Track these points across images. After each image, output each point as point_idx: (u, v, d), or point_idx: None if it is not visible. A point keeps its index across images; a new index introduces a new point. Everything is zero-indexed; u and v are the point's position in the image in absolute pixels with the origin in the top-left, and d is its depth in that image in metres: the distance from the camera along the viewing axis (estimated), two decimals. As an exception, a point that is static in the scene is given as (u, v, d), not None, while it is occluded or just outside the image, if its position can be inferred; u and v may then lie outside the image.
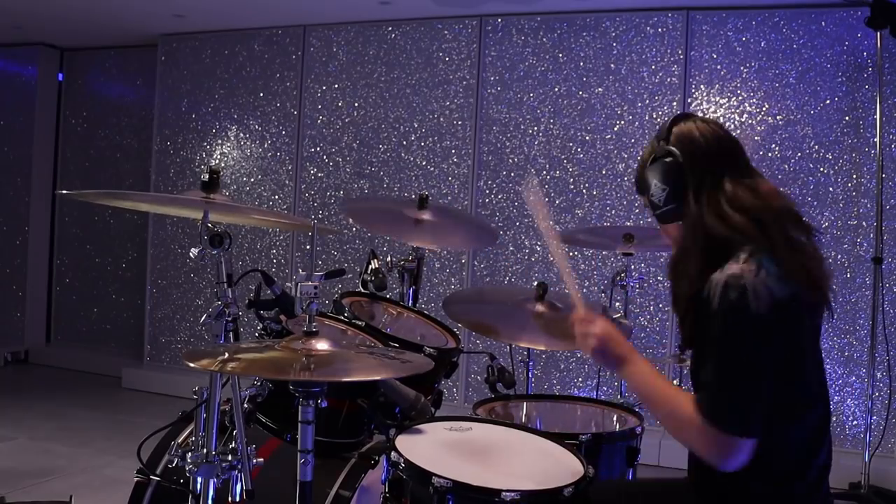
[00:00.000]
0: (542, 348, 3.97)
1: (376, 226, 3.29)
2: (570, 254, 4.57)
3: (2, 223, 6.21)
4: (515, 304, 2.50)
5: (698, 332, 1.53)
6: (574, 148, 4.58)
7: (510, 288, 4.42)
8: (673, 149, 1.58)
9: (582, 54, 4.59)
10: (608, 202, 4.52)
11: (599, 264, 4.52)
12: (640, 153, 1.70)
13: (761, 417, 1.42)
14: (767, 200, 1.55)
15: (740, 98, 4.29)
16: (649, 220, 4.15)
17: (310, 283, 1.57)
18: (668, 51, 4.40)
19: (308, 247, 5.08)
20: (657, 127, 4.39)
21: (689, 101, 4.37)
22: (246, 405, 1.86)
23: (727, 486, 1.54)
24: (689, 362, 3.01)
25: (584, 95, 4.57)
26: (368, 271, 2.47)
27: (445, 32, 4.86)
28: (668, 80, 4.40)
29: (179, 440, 1.91)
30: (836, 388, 4.10)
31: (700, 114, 4.30)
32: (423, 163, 4.90)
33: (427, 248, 2.82)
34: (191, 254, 1.69)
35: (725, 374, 1.43)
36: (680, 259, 1.59)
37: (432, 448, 1.76)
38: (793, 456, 1.52)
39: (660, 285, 4.39)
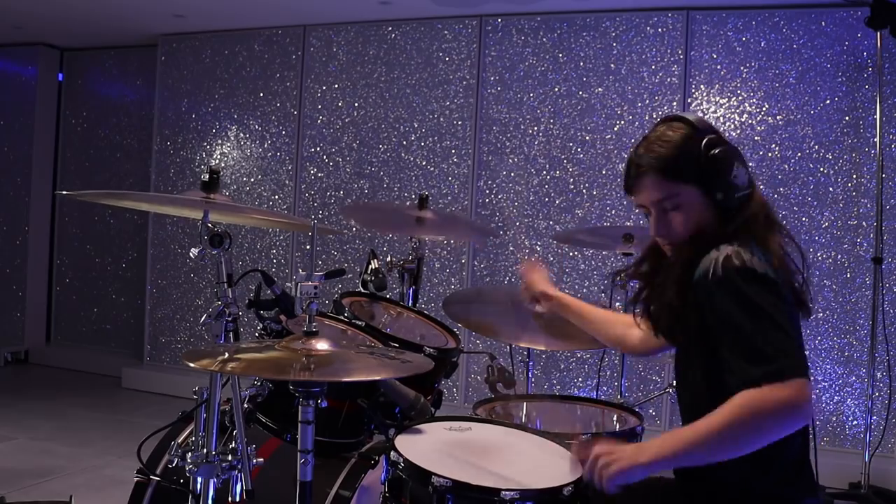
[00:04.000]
0: (542, 348, 3.95)
1: (377, 226, 3.30)
2: (570, 254, 4.58)
3: (2, 223, 6.21)
4: (515, 304, 2.50)
5: (687, 319, 1.52)
6: (574, 148, 4.58)
7: (510, 288, 4.41)
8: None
9: (582, 54, 4.59)
10: (608, 202, 4.52)
11: (599, 264, 4.52)
12: (659, 137, 1.62)
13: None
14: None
15: (740, 98, 4.29)
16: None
17: (310, 283, 1.57)
18: (668, 51, 4.41)
19: (308, 247, 5.08)
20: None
21: (689, 101, 4.37)
22: (246, 405, 1.86)
23: (727, 485, 1.54)
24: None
25: (584, 95, 4.57)
26: (368, 271, 2.47)
27: (445, 32, 4.86)
28: (668, 80, 4.40)
29: (179, 440, 1.92)
30: (836, 388, 4.11)
31: (700, 114, 4.32)
32: (423, 163, 4.90)
33: (429, 241, 2.82)
34: (191, 254, 1.69)
35: (759, 327, 1.38)
36: (692, 241, 1.57)
37: (432, 448, 1.76)
38: (795, 453, 1.53)
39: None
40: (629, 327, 1.97)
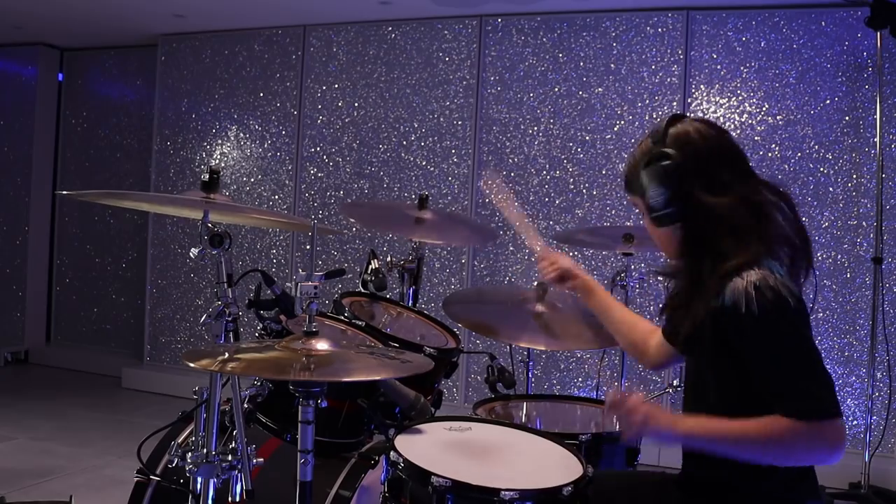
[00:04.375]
0: (542, 348, 3.96)
1: (377, 225, 3.30)
2: (570, 254, 4.58)
3: (2, 223, 6.21)
4: (515, 304, 2.50)
5: (711, 340, 1.52)
6: (574, 148, 4.58)
7: (510, 288, 4.42)
8: (671, 150, 1.57)
9: (582, 54, 4.59)
10: (608, 202, 4.52)
11: (599, 264, 4.52)
12: (639, 145, 1.69)
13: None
14: (764, 198, 1.57)
15: (740, 98, 4.29)
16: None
17: (310, 283, 1.57)
18: (668, 51, 4.40)
19: (308, 247, 5.07)
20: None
21: (689, 101, 4.37)
22: (246, 405, 1.86)
23: (731, 487, 1.55)
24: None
25: (584, 95, 4.57)
26: (368, 271, 2.47)
27: (445, 32, 4.86)
28: (668, 80, 4.40)
29: (179, 440, 1.91)
30: (837, 388, 4.10)
31: (700, 114, 4.32)
32: (423, 163, 4.90)
33: (428, 244, 2.82)
34: (191, 254, 1.69)
35: (798, 368, 1.43)
36: (694, 265, 1.57)
37: (432, 448, 1.76)
38: None
39: (660, 285, 4.38)
40: (650, 335, 1.95)
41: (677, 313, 1.68)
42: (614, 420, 1.56)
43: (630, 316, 2.03)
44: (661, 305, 1.82)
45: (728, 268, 1.50)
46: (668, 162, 1.57)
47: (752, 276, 1.46)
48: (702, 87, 4.36)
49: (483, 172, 2.37)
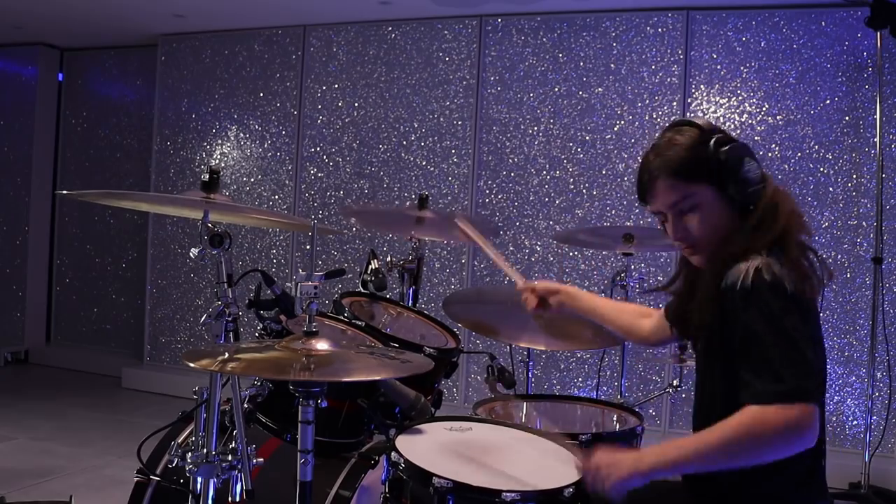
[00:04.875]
0: (542, 348, 3.96)
1: (377, 226, 3.30)
2: (570, 254, 4.58)
3: (2, 223, 6.21)
4: (515, 304, 2.50)
5: (713, 326, 1.53)
6: (574, 148, 4.58)
7: (510, 288, 4.41)
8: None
9: (582, 54, 4.59)
10: (608, 202, 4.52)
11: (599, 264, 4.52)
12: (668, 141, 1.62)
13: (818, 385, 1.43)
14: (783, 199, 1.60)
15: (740, 98, 4.29)
16: (649, 219, 4.16)
17: (310, 283, 1.57)
18: (668, 51, 4.40)
19: (308, 247, 5.07)
20: (657, 127, 4.40)
21: (689, 101, 4.37)
22: (246, 405, 1.86)
23: (737, 487, 1.55)
24: (688, 362, 3.02)
25: (584, 95, 4.57)
26: (368, 271, 2.47)
27: (445, 32, 4.86)
28: (668, 80, 4.40)
29: (179, 440, 1.91)
30: (836, 388, 4.11)
31: (700, 114, 4.33)
32: (423, 163, 4.90)
33: (428, 243, 2.82)
34: (191, 254, 1.69)
35: (775, 351, 1.40)
36: (727, 241, 1.57)
37: (432, 448, 1.76)
38: (808, 457, 1.53)
39: (660, 285, 4.38)
40: (640, 317, 1.99)
41: (689, 303, 1.67)
42: (590, 485, 1.52)
43: (616, 305, 2.08)
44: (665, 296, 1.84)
45: (734, 251, 1.51)
46: (737, 143, 1.58)
47: (757, 260, 1.47)
48: (702, 87, 4.36)
49: (455, 217, 2.37)
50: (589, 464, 1.52)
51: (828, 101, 4.15)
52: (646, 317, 1.98)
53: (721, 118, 4.29)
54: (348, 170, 5.08)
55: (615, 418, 2.39)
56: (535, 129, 4.66)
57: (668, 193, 1.61)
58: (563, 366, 4.60)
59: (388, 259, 2.64)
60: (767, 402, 1.37)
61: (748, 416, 1.38)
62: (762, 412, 1.37)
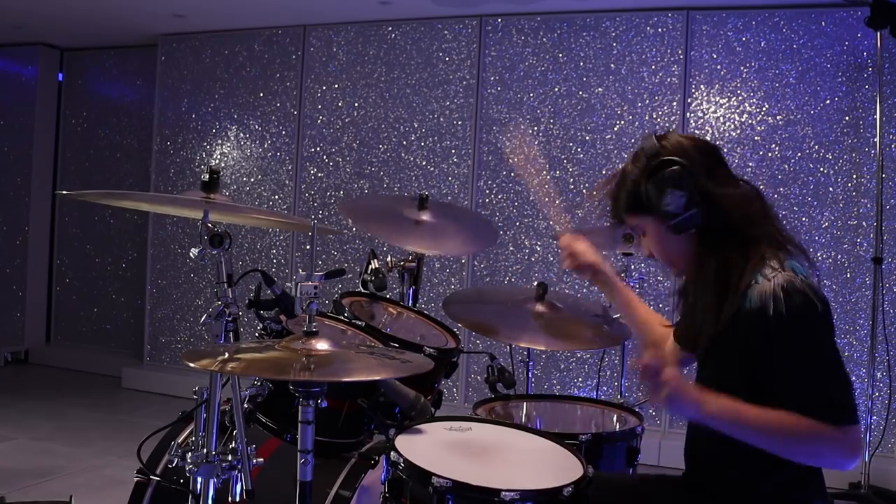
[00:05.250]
0: (542, 348, 3.97)
1: (375, 228, 3.28)
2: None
3: (2, 223, 6.21)
4: (515, 304, 2.50)
5: (732, 344, 1.52)
6: (574, 148, 4.58)
7: (510, 288, 4.42)
8: (675, 157, 1.57)
9: (582, 54, 4.59)
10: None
11: (599, 264, 4.51)
12: (623, 171, 1.66)
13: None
14: (758, 202, 1.60)
15: (740, 98, 4.29)
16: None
17: (310, 283, 1.57)
18: (668, 51, 4.40)
19: (308, 247, 5.07)
20: (657, 127, 4.40)
21: (689, 101, 4.37)
22: (246, 405, 1.86)
23: (737, 485, 1.55)
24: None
25: (584, 95, 4.57)
26: (368, 271, 2.47)
27: (445, 32, 4.86)
28: (668, 80, 4.40)
29: (179, 440, 1.91)
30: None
31: (700, 114, 4.34)
32: (423, 163, 4.90)
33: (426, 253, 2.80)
34: (191, 254, 1.69)
35: (824, 372, 1.43)
36: (719, 267, 1.56)
37: (432, 448, 1.76)
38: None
39: (660, 285, 4.39)
40: (666, 339, 1.95)
41: (693, 319, 1.68)
42: (642, 387, 1.52)
43: (651, 317, 2.02)
44: (674, 313, 1.83)
45: (753, 266, 1.50)
46: (676, 167, 1.56)
47: (779, 278, 1.46)
48: (702, 87, 4.36)
49: (512, 128, 2.29)
50: (657, 373, 1.50)
51: (828, 101, 4.15)
52: (669, 340, 1.94)
53: (721, 118, 4.29)
54: (348, 170, 5.08)
55: (615, 418, 2.39)
56: (535, 129, 4.66)
57: (625, 221, 1.69)
58: (563, 366, 4.60)
59: (388, 259, 2.64)
60: (834, 424, 1.40)
61: (815, 424, 1.40)
62: (822, 427, 1.40)
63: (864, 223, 4.08)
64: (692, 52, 4.37)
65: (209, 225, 1.70)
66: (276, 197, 5.28)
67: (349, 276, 4.40)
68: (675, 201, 1.56)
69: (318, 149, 5.16)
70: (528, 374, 2.74)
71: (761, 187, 1.68)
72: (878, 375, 3.94)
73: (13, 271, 6.16)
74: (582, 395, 4.43)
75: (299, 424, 1.55)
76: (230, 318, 1.69)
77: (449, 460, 1.69)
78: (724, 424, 1.47)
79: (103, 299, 6.19)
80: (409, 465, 1.62)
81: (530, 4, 4.57)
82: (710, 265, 1.57)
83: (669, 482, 1.75)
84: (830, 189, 4.14)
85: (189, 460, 1.67)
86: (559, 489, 1.55)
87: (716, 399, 1.48)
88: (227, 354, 1.55)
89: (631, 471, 2.14)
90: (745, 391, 1.49)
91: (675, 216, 1.57)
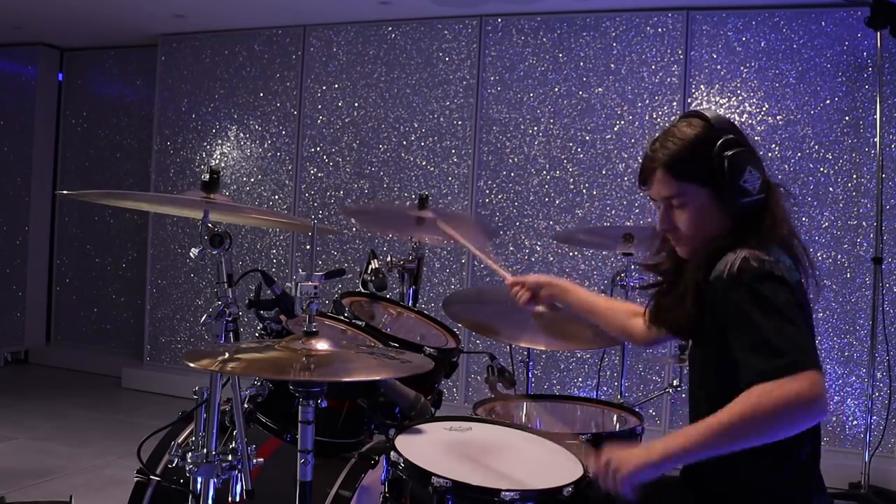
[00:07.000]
0: (542, 348, 3.96)
1: (377, 227, 3.29)
2: (570, 254, 4.58)
3: (2, 223, 6.21)
4: (515, 304, 2.50)
5: (703, 320, 1.53)
6: (574, 148, 4.58)
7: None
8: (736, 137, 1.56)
9: (582, 54, 4.59)
10: (608, 202, 4.52)
11: (599, 264, 4.52)
12: (675, 132, 1.60)
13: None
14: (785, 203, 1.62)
15: (740, 98, 4.29)
16: (649, 219, 4.14)
17: (310, 283, 1.57)
18: (668, 51, 4.40)
19: (308, 247, 5.07)
20: (657, 127, 4.40)
21: (689, 101, 4.37)
22: (246, 405, 1.86)
23: (736, 484, 1.55)
24: (688, 362, 3.02)
25: (584, 95, 4.57)
26: (368, 271, 2.47)
27: (445, 32, 4.86)
28: (668, 80, 4.40)
29: (179, 440, 1.91)
30: (836, 388, 4.11)
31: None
32: (423, 163, 4.90)
33: (429, 244, 2.82)
34: (191, 254, 1.69)
35: (767, 327, 1.37)
36: (712, 243, 1.56)
37: (432, 448, 1.76)
38: (806, 454, 1.53)
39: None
40: (632, 317, 1.97)
41: (667, 298, 1.69)
42: (602, 482, 1.47)
43: (609, 303, 2.05)
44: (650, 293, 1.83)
45: (724, 244, 1.50)
46: (744, 149, 1.55)
47: (746, 252, 1.46)
48: (702, 87, 4.36)
49: (438, 220, 2.38)
50: (599, 462, 1.47)
51: (828, 101, 4.15)
52: (637, 316, 1.95)
53: (721, 118, 4.28)
54: (348, 170, 5.08)
55: (615, 418, 2.39)
56: (535, 129, 4.66)
57: (662, 186, 1.61)
58: (563, 366, 4.60)
59: (388, 259, 2.64)
60: (770, 378, 1.34)
61: (753, 394, 1.34)
62: (771, 387, 1.33)
63: (864, 223, 4.08)
64: (692, 52, 4.37)
65: (209, 225, 1.70)
66: (276, 197, 5.28)
67: (349, 276, 4.40)
68: (752, 181, 1.54)
69: (318, 149, 5.16)
70: (528, 374, 2.74)
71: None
72: (878, 375, 3.94)
73: (13, 271, 6.16)
74: (582, 395, 4.43)
75: (299, 424, 1.55)
76: (230, 318, 1.69)
77: (449, 460, 1.69)
78: (687, 456, 1.41)
79: (103, 299, 6.19)
80: (409, 465, 1.62)
81: (530, 4, 4.57)
82: (722, 242, 1.55)
83: (669, 481, 1.75)
84: (830, 189, 4.14)
85: (189, 460, 1.67)
86: (559, 489, 1.55)
87: (658, 444, 1.43)
88: (227, 354, 1.55)
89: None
90: (727, 362, 1.46)
91: (744, 195, 1.54)
